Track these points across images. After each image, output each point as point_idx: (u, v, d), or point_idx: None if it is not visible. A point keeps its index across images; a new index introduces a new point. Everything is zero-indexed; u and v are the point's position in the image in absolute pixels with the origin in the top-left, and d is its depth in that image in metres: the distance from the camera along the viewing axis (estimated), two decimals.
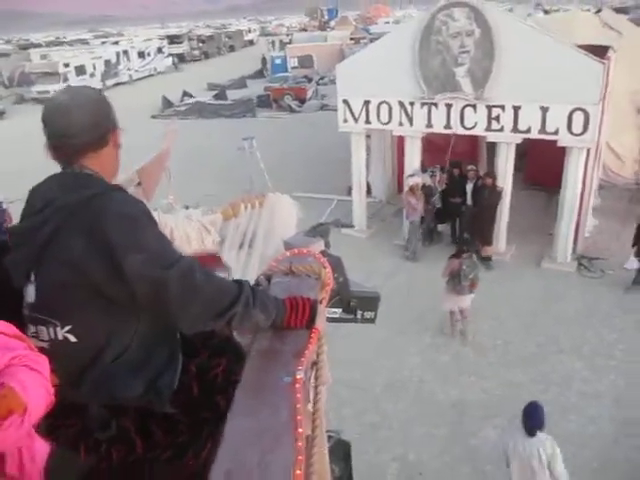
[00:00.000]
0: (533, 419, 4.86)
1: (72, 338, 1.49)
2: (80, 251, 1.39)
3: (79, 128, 1.52)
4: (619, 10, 37.89)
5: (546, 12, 23.37)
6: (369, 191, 13.43)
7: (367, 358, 8.29)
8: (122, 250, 1.37)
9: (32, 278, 1.50)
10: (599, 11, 17.51)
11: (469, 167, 11.35)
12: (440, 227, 11.98)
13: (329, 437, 3.16)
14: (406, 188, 11.14)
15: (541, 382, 7.61)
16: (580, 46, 9.80)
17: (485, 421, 7.02)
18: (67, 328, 1.49)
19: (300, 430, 1.05)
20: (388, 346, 8.56)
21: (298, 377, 1.17)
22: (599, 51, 10.48)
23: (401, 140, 12.11)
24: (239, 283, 1.47)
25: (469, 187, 11.12)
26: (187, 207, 4.63)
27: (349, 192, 12.97)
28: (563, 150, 9.94)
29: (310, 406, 1.50)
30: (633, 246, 9.82)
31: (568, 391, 7.25)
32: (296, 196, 5.10)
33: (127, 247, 1.38)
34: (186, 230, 3.42)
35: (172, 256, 1.45)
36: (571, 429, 6.26)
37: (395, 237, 11.88)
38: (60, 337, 1.50)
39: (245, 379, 1.22)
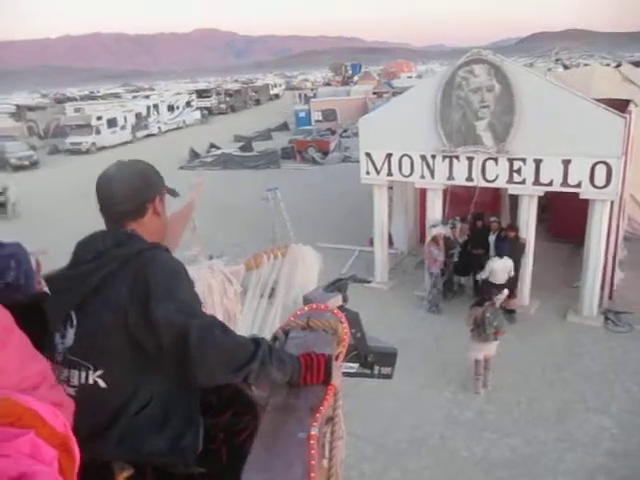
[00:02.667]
0: None
1: (102, 384, 1.52)
2: (123, 295, 1.48)
3: (118, 198, 1.69)
4: (637, 64, 38.29)
5: (566, 67, 23.67)
6: (391, 242, 13.48)
7: (389, 413, 8.14)
8: (157, 297, 1.46)
9: (74, 322, 1.56)
10: (619, 65, 17.72)
11: (492, 219, 11.36)
12: (462, 280, 11.90)
13: None
14: (429, 238, 11.17)
15: (567, 441, 7.36)
16: (601, 100, 9.90)
17: None
18: (99, 372, 1.53)
19: None
20: (410, 401, 8.40)
21: (312, 433, 1.19)
22: (620, 105, 10.58)
23: (423, 192, 12.21)
24: (256, 341, 1.51)
25: (492, 239, 11.10)
26: (211, 257, 4.73)
27: (371, 243, 13.02)
28: (586, 201, 9.92)
29: (326, 462, 1.51)
30: None
31: (595, 450, 6.99)
32: (318, 246, 5.17)
33: (162, 295, 1.47)
34: (209, 281, 3.48)
35: (198, 309, 1.54)
36: None
37: (416, 289, 11.81)
38: (91, 381, 1.53)
39: (260, 434, 1.25)
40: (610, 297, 10.85)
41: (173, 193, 1.99)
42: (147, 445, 1.53)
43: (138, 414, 1.53)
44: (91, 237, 1.66)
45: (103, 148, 34.85)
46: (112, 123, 37.50)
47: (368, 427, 7.71)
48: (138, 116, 40.81)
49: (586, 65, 22.38)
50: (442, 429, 7.79)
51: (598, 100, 9.81)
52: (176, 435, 1.56)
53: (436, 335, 9.83)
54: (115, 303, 1.48)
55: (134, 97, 53.95)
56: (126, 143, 37.85)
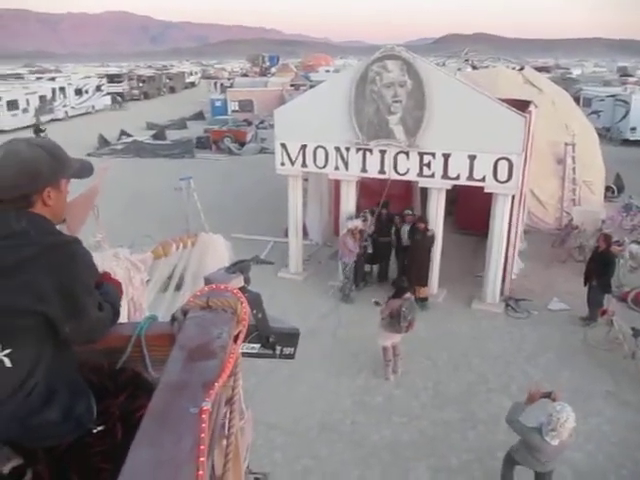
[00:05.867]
0: None
1: (7, 363, 1.50)
2: (46, 285, 1.51)
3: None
4: (541, 69, 40.73)
5: (474, 67, 24.81)
6: (306, 233, 13.58)
7: (301, 401, 8.23)
8: (81, 293, 1.60)
9: None
10: (522, 69, 18.75)
11: (406, 211, 11.70)
12: (367, 268, 12.21)
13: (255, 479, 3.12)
14: (344, 231, 11.35)
15: (470, 420, 7.78)
16: (504, 100, 10.45)
17: (418, 461, 7.07)
18: (7, 352, 1.50)
19: (202, 459, 1.06)
20: (322, 388, 8.54)
21: (204, 408, 1.18)
22: (521, 105, 11.22)
23: (337, 183, 12.39)
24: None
25: (406, 230, 11.44)
26: (121, 247, 4.56)
27: (286, 234, 13.06)
28: (490, 196, 10.46)
29: (225, 442, 1.51)
30: (585, 282, 10.36)
31: (496, 428, 7.42)
32: (233, 237, 5.13)
33: (85, 290, 1.63)
34: (113, 269, 3.36)
35: (100, 299, 1.75)
36: (498, 466, 6.38)
37: (330, 279, 12.00)
38: None
39: (151, 411, 1.22)
40: (510, 286, 11.52)
41: (81, 175, 1.87)
42: (38, 418, 1.54)
43: (32, 392, 1.53)
44: (2, 213, 1.60)
45: (2, 132, 32.55)
46: (13, 105, 35.13)
47: (279, 416, 7.78)
48: (42, 99, 38.46)
49: (494, 67, 23.51)
50: (353, 415, 7.98)
51: (502, 100, 10.33)
52: (67, 406, 1.60)
53: (347, 323, 10.03)
54: (35, 289, 1.50)
55: (38, 79, 50.73)
56: (28, 127, 35.59)
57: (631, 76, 54.07)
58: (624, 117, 28.14)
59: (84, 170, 1.88)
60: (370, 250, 11.66)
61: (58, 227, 2.77)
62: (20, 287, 1.49)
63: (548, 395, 5.78)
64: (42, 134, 28.17)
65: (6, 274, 1.48)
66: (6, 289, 1.48)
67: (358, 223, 11.27)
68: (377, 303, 8.96)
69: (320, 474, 6.93)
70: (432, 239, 10.88)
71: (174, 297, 3.58)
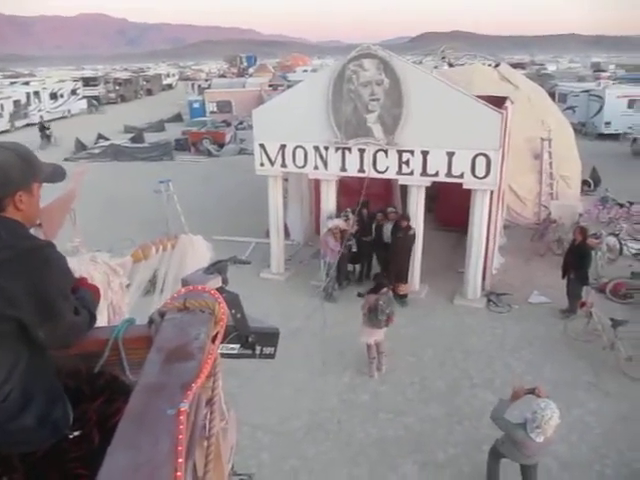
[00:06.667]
0: None
1: None
2: (18, 289, 1.50)
3: None
4: (516, 65, 41.17)
5: (451, 65, 24.95)
6: (287, 233, 13.56)
7: (286, 401, 8.21)
8: (55, 297, 1.59)
9: None
10: (498, 65, 18.92)
11: (389, 209, 11.71)
12: (350, 267, 12.21)
13: None
14: (325, 230, 11.35)
15: (456, 415, 7.83)
16: (480, 96, 10.52)
17: (405, 457, 7.11)
18: None
19: (180, 460, 1.05)
20: (307, 388, 8.54)
21: (182, 409, 1.17)
22: (498, 101, 11.33)
23: (317, 183, 12.38)
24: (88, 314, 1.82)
25: (388, 228, 11.46)
26: (99, 251, 4.50)
27: (267, 235, 13.02)
28: (469, 193, 10.54)
29: (205, 443, 1.50)
30: (563, 275, 10.48)
31: (480, 423, 7.49)
32: (214, 239, 5.09)
33: (60, 295, 1.62)
34: (90, 273, 3.32)
35: (76, 304, 1.74)
36: (485, 459, 6.43)
37: (313, 279, 11.99)
38: None
39: (128, 413, 1.21)
40: (491, 281, 11.62)
41: (53, 179, 1.85)
42: (14, 424, 1.53)
43: (7, 398, 1.52)
44: None
45: None
46: None
47: (265, 416, 7.76)
48: (16, 104, 37.88)
49: (470, 64, 23.69)
50: (339, 413, 7.98)
51: (478, 96, 10.41)
52: (43, 411, 1.59)
53: (331, 322, 10.04)
54: (8, 294, 1.48)
55: (12, 83, 49.95)
56: (3, 132, 35.06)
57: (604, 71, 54.96)
58: (598, 112, 28.55)
59: (56, 174, 1.87)
60: (355, 249, 11.65)
61: (34, 231, 2.75)
62: None
63: (532, 391, 5.82)
64: (47, 131, 31.06)
65: None
66: None
67: (338, 222, 11.28)
68: (360, 295, 9.03)
69: (308, 474, 6.93)
70: (413, 237, 10.93)
71: (159, 300, 3.55)
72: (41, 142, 29.76)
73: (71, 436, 1.62)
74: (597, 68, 63.51)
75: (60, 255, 1.68)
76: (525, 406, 5.79)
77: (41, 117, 37.43)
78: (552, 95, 25.50)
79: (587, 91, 30.17)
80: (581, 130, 27.53)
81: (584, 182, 17.74)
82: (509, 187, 14.03)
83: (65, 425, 1.62)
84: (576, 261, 10.31)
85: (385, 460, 7.09)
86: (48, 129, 31.42)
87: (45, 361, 1.65)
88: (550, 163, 15.20)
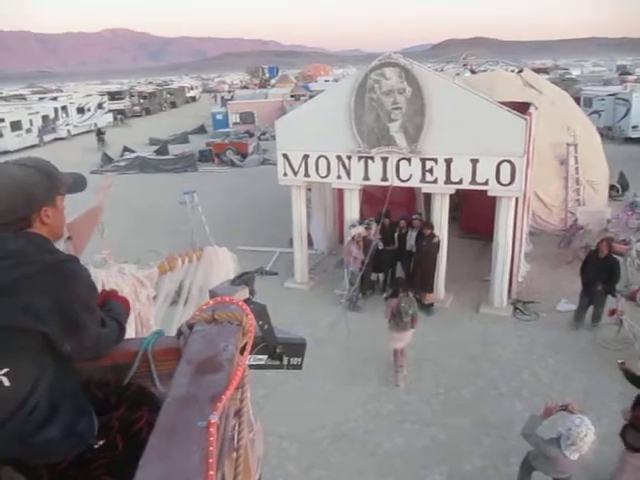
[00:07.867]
0: None
1: (6, 382, 1.49)
2: (45, 303, 1.51)
3: None
4: (539, 70, 40.75)
5: (473, 72, 24.78)
6: (310, 243, 13.58)
7: (312, 412, 8.19)
8: (81, 311, 1.61)
9: None
10: (521, 71, 18.74)
11: (414, 216, 11.66)
12: (374, 276, 12.15)
13: None
14: (348, 238, 11.35)
15: (483, 426, 7.72)
16: (504, 103, 10.44)
17: (432, 468, 7.02)
18: (4, 371, 1.49)
19: (211, 473, 1.06)
20: (333, 398, 8.50)
21: (212, 421, 1.18)
22: (522, 107, 11.22)
23: (341, 192, 12.39)
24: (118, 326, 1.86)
25: (412, 236, 11.40)
26: (126, 263, 4.57)
27: (291, 244, 13.07)
28: (494, 199, 10.44)
29: (235, 454, 1.50)
30: (585, 287, 10.11)
31: (508, 433, 7.36)
32: (239, 250, 5.14)
33: (85, 309, 1.63)
34: (119, 284, 3.37)
35: (103, 316, 1.76)
36: (513, 472, 6.32)
37: (336, 288, 11.97)
38: None
39: (159, 425, 1.22)
40: (517, 288, 11.46)
41: (75, 189, 1.87)
42: (39, 437, 1.53)
43: (33, 411, 1.53)
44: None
45: (6, 152, 32.78)
46: (16, 126, 35.37)
47: (291, 427, 7.75)
48: (45, 119, 38.74)
49: (492, 71, 23.54)
50: (364, 423, 7.93)
51: (501, 103, 10.33)
52: (69, 423, 1.59)
53: (355, 331, 10.00)
54: (34, 308, 1.50)
55: (40, 99, 51.15)
56: (32, 147, 35.87)
57: (630, 74, 54.01)
58: (625, 115, 28.10)
59: (78, 184, 1.89)
60: (381, 246, 11.50)
61: (64, 245, 2.81)
62: (18, 306, 1.49)
63: (565, 407, 5.68)
64: (103, 136, 36.31)
65: (4, 293, 1.48)
66: (4, 308, 1.48)
67: (360, 229, 11.26)
68: (387, 298, 9.06)
69: None
70: (437, 245, 10.85)
71: (184, 312, 3.59)
72: (97, 144, 35.36)
73: (96, 446, 1.63)
74: (623, 71, 62.50)
75: (84, 268, 1.70)
76: (559, 421, 5.66)
77: (95, 124, 43.00)
78: (577, 99, 25.16)
79: (613, 95, 29.72)
80: (607, 134, 27.10)
81: (612, 187, 17.43)
82: (535, 193, 13.86)
83: (90, 436, 1.63)
84: (604, 275, 9.80)
85: (411, 471, 7.02)
86: (103, 134, 36.67)
87: (71, 373, 1.67)
88: (576, 168, 14.97)
